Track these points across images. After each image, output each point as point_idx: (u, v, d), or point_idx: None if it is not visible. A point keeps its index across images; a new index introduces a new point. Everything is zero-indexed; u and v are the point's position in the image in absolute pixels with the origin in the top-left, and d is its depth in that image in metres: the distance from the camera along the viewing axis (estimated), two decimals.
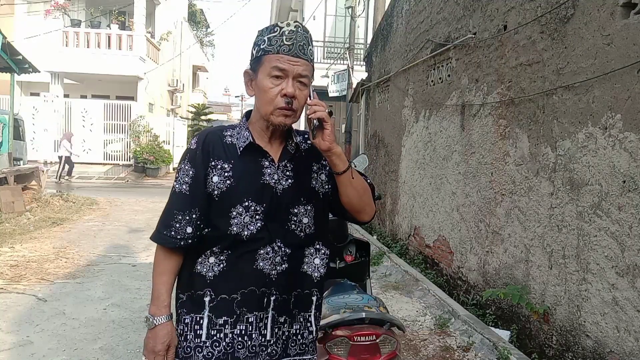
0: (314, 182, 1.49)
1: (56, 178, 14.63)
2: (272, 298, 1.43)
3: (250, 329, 1.42)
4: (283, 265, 1.44)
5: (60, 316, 4.03)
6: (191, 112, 26.61)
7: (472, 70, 4.52)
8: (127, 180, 16.15)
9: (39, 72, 10.64)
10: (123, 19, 18.23)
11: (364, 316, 1.80)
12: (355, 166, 2.92)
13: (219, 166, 1.42)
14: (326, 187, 1.50)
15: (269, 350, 1.44)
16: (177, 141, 19.99)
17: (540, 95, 3.43)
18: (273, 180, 1.44)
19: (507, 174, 3.84)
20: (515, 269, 3.69)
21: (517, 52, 3.74)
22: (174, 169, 19.48)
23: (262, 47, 1.39)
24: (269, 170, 1.44)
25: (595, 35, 2.87)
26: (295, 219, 1.45)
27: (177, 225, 1.42)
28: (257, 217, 1.41)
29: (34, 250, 6.10)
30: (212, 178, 1.42)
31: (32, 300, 4.35)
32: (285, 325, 1.46)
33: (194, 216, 1.42)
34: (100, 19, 18.53)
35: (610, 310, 2.71)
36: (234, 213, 1.41)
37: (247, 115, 1.54)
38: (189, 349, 1.43)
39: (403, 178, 6.53)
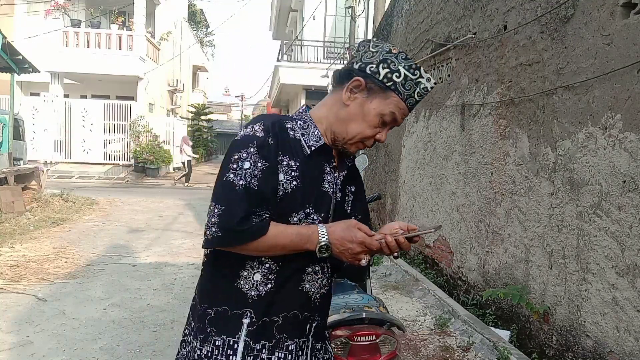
0: (345, 204, 1.39)
1: (183, 183, 15.81)
2: (314, 324, 1.34)
3: (289, 358, 1.28)
4: (326, 288, 1.35)
5: (60, 316, 4.03)
6: (191, 112, 26.63)
7: (472, 70, 4.52)
8: (127, 180, 16.15)
9: (39, 72, 10.64)
10: (123, 19, 18.23)
11: (364, 316, 1.80)
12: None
13: (285, 162, 1.24)
14: (348, 208, 1.40)
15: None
16: (177, 141, 20.00)
17: (540, 95, 3.43)
18: (332, 190, 1.32)
19: (507, 174, 3.84)
20: (515, 269, 3.69)
21: (517, 52, 3.74)
22: (174, 169, 19.50)
23: (395, 79, 1.25)
24: (329, 177, 1.32)
25: (595, 35, 2.87)
26: None
27: (255, 217, 1.19)
28: None
29: (34, 250, 6.10)
30: (278, 175, 1.23)
31: (32, 300, 4.35)
32: (321, 352, 1.37)
33: (265, 217, 1.21)
34: (100, 19, 18.53)
35: (610, 310, 2.71)
36: (295, 219, 1.25)
37: (303, 108, 1.37)
38: None
39: (403, 178, 6.53)
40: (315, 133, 1.30)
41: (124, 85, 18.64)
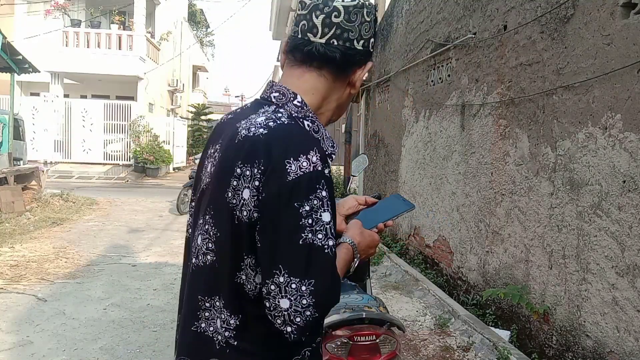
0: None
1: None
2: None
3: None
4: None
5: (60, 316, 4.03)
6: (191, 112, 26.63)
7: (472, 70, 4.52)
8: (127, 180, 16.15)
9: (39, 72, 10.64)
10: (123, 18, 18.24)
11: (364, 316, 1.80)
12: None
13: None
14: None
15: None
16: (177, 141, 20.01)
17: (540, 95, 3.43)
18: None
19: (507, 174, 3.84)
20: (515, 269, 3.69)
21: (517, 52, 3.74)
22: (174, 169, 19.51)
23: (372, 45, 1.09)
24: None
25: (595, 35, 2.87)
26: None
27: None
28: None
29: (34, 250, 6.10)
30: None
31: (32, 300, 4.35)
32: None
33: None
34: (100, 19, 18.54)
35: (610, 310, 2.71)
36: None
37: (297, 98, 1.05)
38: None
39: (403, 178, 6.53)
40: (328, 135, 1.08)
41: (124, 85, 18.65)
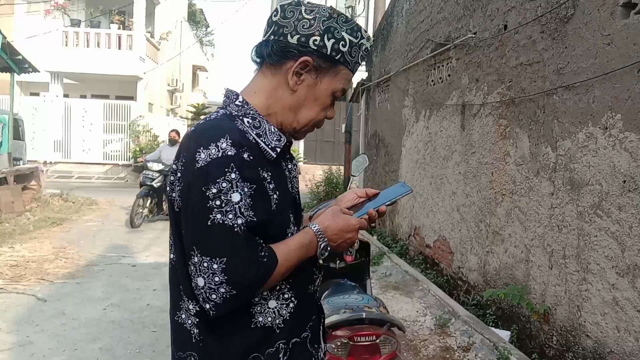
0: None
1: None
2: (321, 323, 1.24)
3: None
4: (320, 279, 1.24)
5: (60, 316, 4.03)
6: (191, 112, 26.61)
7: (472, 70, 4.51)
8: (127, 180, 16.15)
9: (39, 72, 10.64)
10: (123, 18, 18.23)
11: (364, 316, 1.80)
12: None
13: (262, 176, 1.06)
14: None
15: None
16: None
17: (540, 95, 3.42)
18: (296, 187, 1.20)
19: (508, 174, 3.83)
20: (516, 269, 3.68)
21: (517, 52, 3.74)
22: None
23: (342, 50, 1.09)
24: (290, 174, 1.17)
25: (596, 35, 2.87)
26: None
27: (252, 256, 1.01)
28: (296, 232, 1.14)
29: (34, 250, 6.09)
30: (268, 194, 1.06)
31: (32, 300, 4.35)
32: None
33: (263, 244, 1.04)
34: (100, 19, 18.53)
35: (611, 310, 2.71)
36: (289, 234, 1.12)
37: (238, 98, 1.12)
38: None
39: (403, 178, 6.52)
40: (273, 130, 1.10)
41: (123, 85, 18.64)
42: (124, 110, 17.46)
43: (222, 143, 1.00)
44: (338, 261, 2.50)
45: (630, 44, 2.60)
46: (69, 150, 17.12)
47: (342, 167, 11.87)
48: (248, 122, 1.09)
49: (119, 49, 17.30)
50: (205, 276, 0.97)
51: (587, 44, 2.95)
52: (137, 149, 17.13)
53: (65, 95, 18.04)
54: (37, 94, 18.74)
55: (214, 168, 0.99)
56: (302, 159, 18.50)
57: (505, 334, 3.57)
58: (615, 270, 2.68)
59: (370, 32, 11.56)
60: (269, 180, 1.06)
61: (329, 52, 1.08)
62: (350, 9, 11.92)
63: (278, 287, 1.09)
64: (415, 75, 6.12)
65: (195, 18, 30.59)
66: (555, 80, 3.26)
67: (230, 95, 1.13)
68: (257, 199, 1.02)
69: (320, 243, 1.10)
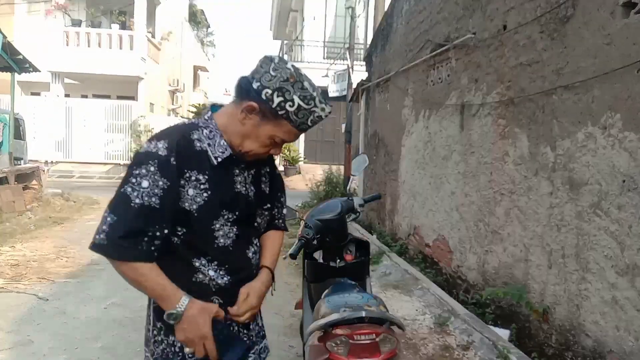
0: (263, 186, 1.55)
1: None
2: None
3: (253, 326, 1.56)
4: (257, 255, 1.55)
5: (61, 315, 4.04)
6: (192, 112, 26.61)
7: (471, 70, 4.52)
8: None
9: (40, 71, 10.64)
10: (124, 18, 18.24)
11: (363, 315, 1.80)
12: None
13: (194, 177, 1.32)
14: (267, 190, 1.57)
15: (255, 337, 1.58)
16: None
17: (540, 95, 3.43)
18: (244, 189, 1.44)
19: (507, 173, 3.84)
20: (515, 268, 3.69)
21: (516, 52, 3.75)
22: None
23: (287, 109, 1.30)
24: (239, 178, 1.42)
25: (595, 35, 2.88)
26: (258, 220, 1.53)
27: (146, 239, 1.28)
28: (232, 224, 1.40)
29: (35, 250, 6.11)
30: (187, 191, 1.31)
31: (33, 300, 4.36)
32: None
33: (162, 233, 1.30)
34: (101, 19, 18.54)
35: (610, 309, 2.72)
36: (217, 226, 1.37)
37: (208, 114, 1.44)
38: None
39: (403, 178, 6.53)
40: (222, 143, 1.36)
41: (124, 85, 18.65)
42: (125, 110, 17.47)
43: (160, 144, 1.30)
44: (338, 260, 2.51)
45: (630, 44, 2.60)
46: (70, 150, 17.14)
47: (342, 167, 11.87)
48: (206, 133, 1.36)
49: (120, 49, 17.31)
50: (100, 221, 1.28)
51: (586, 44, 2.96)
52: (138, 148, 17.14)
53: (67, 95, 18.06)
54: (38, 94, 18.76)
55: (143, 157, 1.29)
56: (302, 159, 18.50)
57: (504, 333, 3.57)
58: (615, 270, 2.69)
59: (370, 32, 11.55)
60: (202, 181, 1.32)
61: (274, 105, 1.29)
62: (350, 10, 11.93)
63: (216, 264, 1.41)
64: (414, 75, 6.13)
65: (196, 18, 30.59)
66: (554, 80, 3.26)
67: (206, 110, 1.44)
68: (167, 192, 1.27)
69: (177, 307, 1.32)
